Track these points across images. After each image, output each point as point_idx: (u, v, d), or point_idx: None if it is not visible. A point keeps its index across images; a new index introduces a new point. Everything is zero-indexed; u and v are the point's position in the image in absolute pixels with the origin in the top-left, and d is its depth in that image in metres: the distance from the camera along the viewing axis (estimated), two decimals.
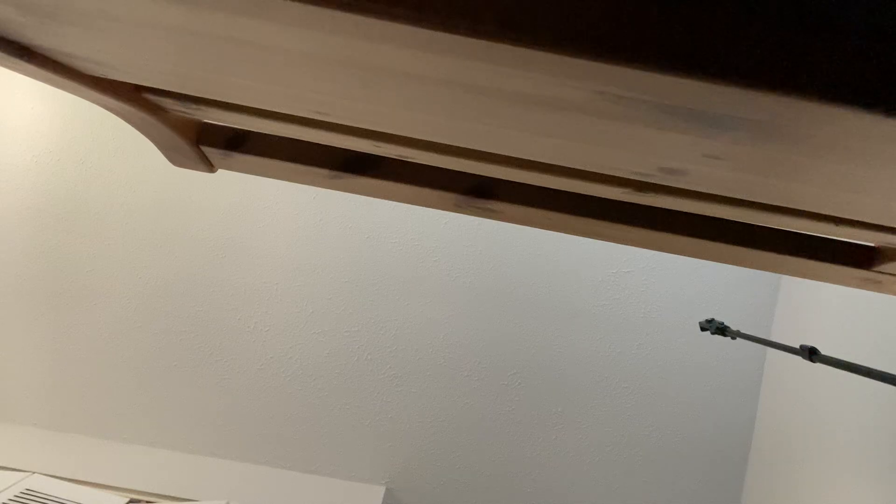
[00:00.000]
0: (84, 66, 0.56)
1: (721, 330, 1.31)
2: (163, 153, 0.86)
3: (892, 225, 0.61)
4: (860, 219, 0.62)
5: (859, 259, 0.78)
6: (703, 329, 1.36)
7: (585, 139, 0.49)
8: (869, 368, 0.81)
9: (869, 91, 0.30)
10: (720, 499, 2.06)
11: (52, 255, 2.13)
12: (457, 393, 2.11)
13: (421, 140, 0.65)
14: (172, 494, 1.92)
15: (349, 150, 0.79)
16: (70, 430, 2.14)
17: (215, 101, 0.65)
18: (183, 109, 0.70)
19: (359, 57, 0.39)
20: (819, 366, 0.96)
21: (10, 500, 1.67)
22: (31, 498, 1.70)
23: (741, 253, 0.79)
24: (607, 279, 2.09)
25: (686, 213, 0.75)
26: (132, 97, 0.66)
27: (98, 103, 0.67)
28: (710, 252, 0.81)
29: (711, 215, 0.74)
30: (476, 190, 0.80)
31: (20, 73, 0.56)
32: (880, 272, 0.77)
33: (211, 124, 0.82)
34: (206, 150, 0.83)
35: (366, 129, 0.65)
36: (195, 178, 2.07)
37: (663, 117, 0.38)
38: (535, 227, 0.84)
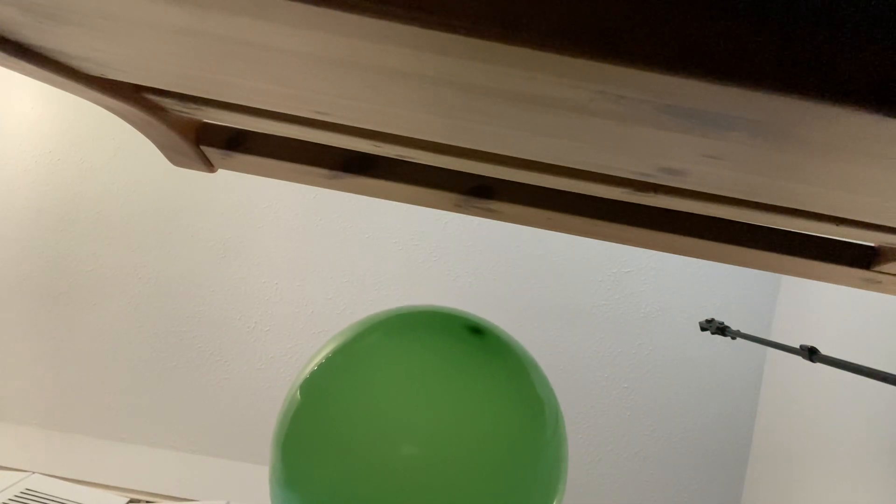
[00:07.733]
0: (84, 66, 0.56)
1: (721, 330, 1.30)
2: (163, 153, 0.86)
3: (892, 225, 0.61)
4: (860, 219, 0.62)
5: (859, 259, 0.78)
6: (703, 329, 1.35)
7: (585, 139, 0.49)
8: (869, 368, 0.81)
9: (870, 91, 0.30)
10: (720, 498, 2.06)
11: (52, 255, 2.13)
12: None
13: (421, 140, 0.65)
14: (172, 494, 1.92)
15: (349, 150, 0.79)
16: (70, 430, 2.14)
17: (215, 101, 0.65)
18: (183, 109, 0.70)
19: (359, 57, 0.39)
20: (819, 366, 0.96)
21: (10, 500, 1.67)
22: (31, 498, 1.70)
23: (741, 253, 0.79)
24: (607, 279, 2.09)
25: (686, 213, 0.75)
26: (132, 97, 0.66)
27: (98, 103, 0.67)
28: (710, 252, 0.81)
29: (711, 215, 0.74)
30: (476, 190, 0.80)
31: (20, 73, 0.56)
32: (880, 272, 0.77)
33: (211, 124, 0.82)
34: (206, 149, 0.83)
35: (366, 129, 0.65)
36: (195, 178, 2.07)
37: (663, 117, 0.38)
38: (535, 227, 0.84)
